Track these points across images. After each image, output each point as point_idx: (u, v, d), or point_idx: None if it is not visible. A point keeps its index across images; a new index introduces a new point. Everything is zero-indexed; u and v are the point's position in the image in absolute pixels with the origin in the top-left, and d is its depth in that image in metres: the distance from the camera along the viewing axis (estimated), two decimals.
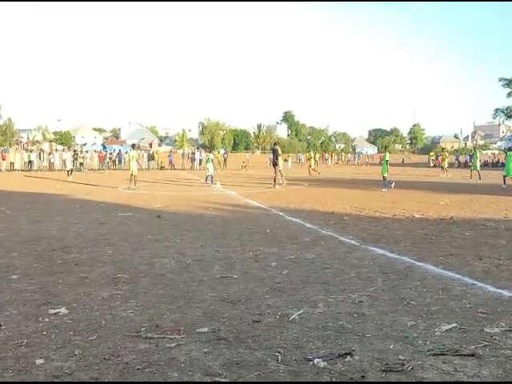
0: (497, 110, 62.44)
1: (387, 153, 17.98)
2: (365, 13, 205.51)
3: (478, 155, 22.92)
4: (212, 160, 20.66)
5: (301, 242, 7.02)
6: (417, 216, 9.71)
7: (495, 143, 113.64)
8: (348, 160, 63.97)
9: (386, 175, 16.61)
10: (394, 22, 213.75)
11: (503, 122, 66.82)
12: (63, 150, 44.15)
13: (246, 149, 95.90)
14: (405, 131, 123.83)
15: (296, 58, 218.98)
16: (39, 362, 2.97)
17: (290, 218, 9.54)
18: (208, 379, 2.73)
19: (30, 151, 40.82)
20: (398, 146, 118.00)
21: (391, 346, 3.16)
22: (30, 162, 36.60)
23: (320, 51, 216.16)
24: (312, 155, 32.65)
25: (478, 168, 22.30)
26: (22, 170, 35.20)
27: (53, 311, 3.91)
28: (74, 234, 7.78)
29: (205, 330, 3.49)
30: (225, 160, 42.28)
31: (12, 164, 36.58)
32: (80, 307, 4.04)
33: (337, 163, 59.29)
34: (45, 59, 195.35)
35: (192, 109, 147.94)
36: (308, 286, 4.66)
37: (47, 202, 13.50)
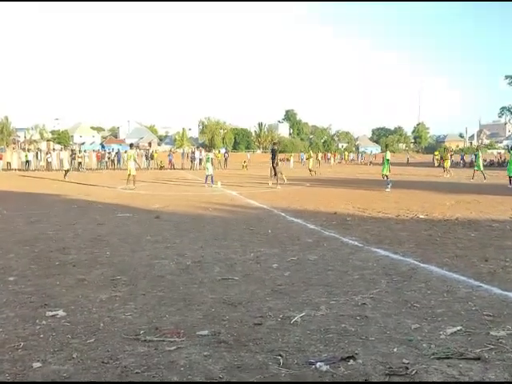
0: (503, 108, 62.43)
1: (388, 152, 17.97)
2: (366, 11, 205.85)
3: (480, 155, 22.96)
4: (212, 159, 20.67)
5: (303, 243, 7.01)
6: (421, 217, 9.70)
7: (501, 142, 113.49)
8: (351, 160, 63.96)
9: (388, 174, 16.59)
10: (396, 20, 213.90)
11: (509, 120, 66.81)
12: (61, 150, 44.26)
13: (247, 148, 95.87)
14: (409, 130, 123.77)
15: (298, 55, 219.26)
16: (36, 365, 2.97)
17: (292, 219, 9.54)
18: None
19: (28, 151, 40.79)
20: (402, 146, 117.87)
21: (395, 350, 3.16)
22: (27, 161, 36.63)
23: (322, 49, 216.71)
24: (311, 154, 32.61)
25: (482, 168, 22.30)
26: (19, 170, 35.24)
27: (50, 313, 3.91)
28: (72, 235, 7.79)
29: (205, 332, 3.49)
30: (225, 159, 42.28)
31: (9, 164, 36.66)
32: (78, 309, 4.04)
33: (339, 163, 59.27)
34: (42, 57, 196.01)
35: (192, 107, 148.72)
36: (310, 288, 4.66)
37: (45, 202, 13.51)
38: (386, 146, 16.93)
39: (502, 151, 69.83)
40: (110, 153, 41.29)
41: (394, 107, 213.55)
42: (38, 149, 49.39)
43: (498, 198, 13.45)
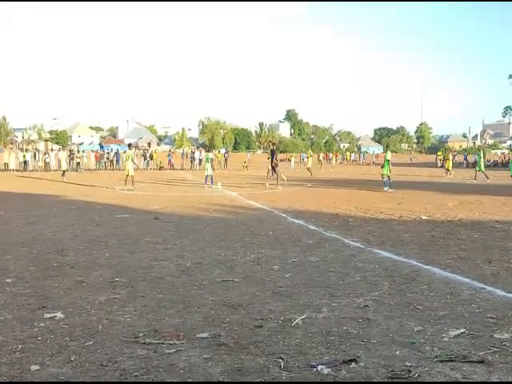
0: (506, 108, 62.48)
1: (388, 152, 17.94)
2: (366, 11, 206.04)
3: (481, 155, 23.03)
4: (211, 159, 20.68)
5: (304, 244, 7.01)
6: (424, 218, 9.70)
7: (505, 142, 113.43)
8: (353, 160, 63.94)
9: (389, 174, 16.56)
10: (398, 19, 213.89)
11: None
12: (59, 150, 44.26)
13: (248, 148, 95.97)
14: (411, 130, 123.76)
15: (299, 55, 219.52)
16: (34, 368, 2.97)
17: (293, 220, 9.54)
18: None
19: (25, 151, 40.83)
20: (405, 146, 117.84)
21: (397, 352, 3.16)
22: (24, 162, 36.65)
23: (323, 48, 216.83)
24: (311, 153, 32.60)
25: (483, 169, 22.36)
26: (17, 170, 35.26)
27: (48, 316, 3.92)
28: (70, 236, 7.79)
29: (205, 335, 3.49)
30: (226, 160, 42.28)
31: (6, 164, 36.64)
32: (76, 312, 4.04)
33: (341, 163, 59.25)
34: (40, 56, 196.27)
35: (192, 107, 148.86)
36: (311, 290, 4.66)
37: (42, 203, 13.52)
38: (387, 146, 16.95)
39: (506, 151, 69.83)
40: (108, 153, 41.30)
41: (397, 107, 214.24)
42: (36, 149, 49.44)
43: (502, 199, 13.44)
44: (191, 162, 39.71)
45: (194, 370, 2.94)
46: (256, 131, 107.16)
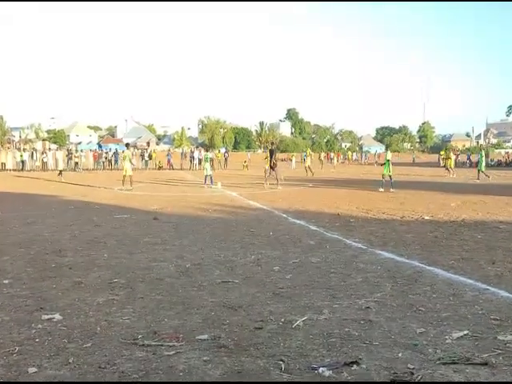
0: (510, 107, 62.37)
1: (389, 152, 17.91)
2: (368, 10, 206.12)
3: (483, 155, 23.14)
4: (210, 159, 20.68)
5: (305, 245, 7.01)
6: (426, 218, 9.70)
7: (509, 141, 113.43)
8: (355, 159, 63.92)
9: (390, 174, 16.54)
10: (401, 17, 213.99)
11: None
12: (57, 150, 44.29)
13: (248, 148, 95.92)
14: (414, 129, 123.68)
15: (300, 53, 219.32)
16: (32, 370, 2.97)
17: (294, 220, 9.54)
18: None
19: (23, 150, 40.83)
20: (407, 145, 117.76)
21: (400, 355, 3.16)
22: (22, 161, 36.68)
23: (324, 46, 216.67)
24: (310, 152, 32.59)
25: (483, 169, 22.46)
26: (14, 170, 35.29)
27: (46, 317, 3.92)
28: (69, 237, 7.80)
29: (205, 337, 3.50)
30: (225, 159, 42.28)
31: (3, 164, 36.67)
32: (74, 313, 4.05)
33: (343, 163, 59.23)
34: (38, 55, 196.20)
35: (191, 106, 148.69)
36: (312, 291, 4.66)
37: (40, 203, 13.53)
38: (387, 146, 16.92)
39: (510, 150, 69.75)
40: (107, 153, 41.32)
41: (399, 106, 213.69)
42: (34, 148, 49.39)
43: (505, 199, 13.43)
44: (190, 161, 39.73)
45: (194, 372, 2.94)
46: (256, 130, 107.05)
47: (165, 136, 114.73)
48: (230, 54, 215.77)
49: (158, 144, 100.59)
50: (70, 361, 3.10)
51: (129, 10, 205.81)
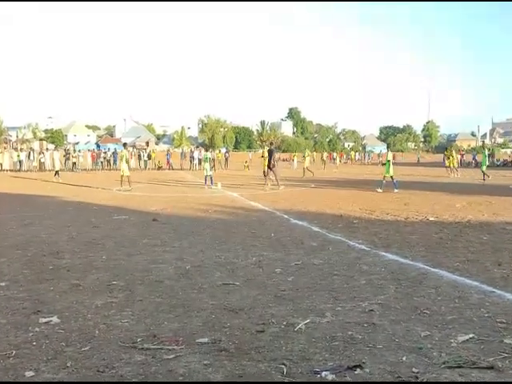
0: None
1: (389, 152, 17.85)
2: (369, 10, 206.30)
3: (486, 154, 23.29)
4: (210, 159, 20.69)
5: (307, 246, 7.01)
6: (431, 219, 9.69)
7: None
8: (358, 159, 63.93)
9: (391, 175, 16.49)
10: (403, 15, 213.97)
11: None
12: (54, 149, 44.32)
13: (249, 147, 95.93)
14: (418, 128, 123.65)
15: (302, 51, 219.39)
16: (29, 374, 2.98)
17: (296, 221, 9.54)
18: None
19: (20, 150, 40.88)
20: (411, 145, 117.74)
21: (404, 358, 3.16)
22: (19, 161, 36.73)
23: (327, 44, 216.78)
24: (309, 153, 32.61)
25: (484, 168, 22.56)
26: (11, 171, 35.33)
27: (43, 320, 3.92)
28: (66, 238, 7.81)
29: (205, 340, 3.50)
30: (226, 159, 42.30)
31: (0, 164, 36.72)
32: (72, 316, 4.05)
33: (346, 163, 59.23)
34: (35, 54, 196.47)
35: (191, 105, 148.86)
36: (315, 293, 4.66)
37: (38, 204, 13.55)
38: (388, 146, 16.84)
39: None
40: (105, 152, 41.33)
41: (403, 105, 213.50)
42: (31, 148, 49.46)
43: (511, 200, 13.43)
44: (190, 161, 39.75)
45: (194, 376, 2.94)
46: (257, 130, 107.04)
47: (164, 136, 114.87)
48: (230, 52, 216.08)
49: (157, 144, 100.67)
50: (68, 364, 3.10)
51: (128, 9, 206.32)
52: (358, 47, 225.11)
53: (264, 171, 19.45)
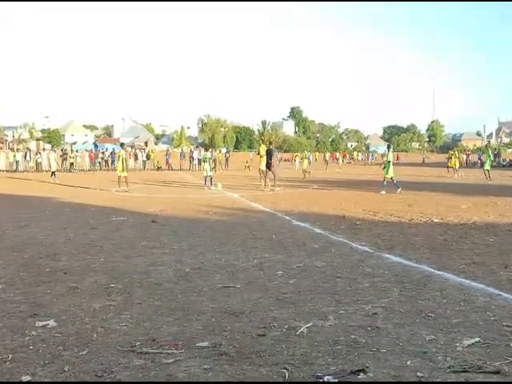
0: None
1: (390, 153, 17.69)
2: (371, 8, 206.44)
3: (490, 154, 23.32)
4: (209, 159, 20.69)
5: (309, 248, 7.01)
6: (436, 220, 9.68)
7: None
8: (361, 159, 63.96)
9: (392, 176, 16.43)
10: (404, 15, 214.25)
11: None
12: (51, 150, 44.37)
13: (250, 147, 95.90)
14: (423, 128, 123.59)
15: (303, 50, 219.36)
16: (26, 378, 2.98)
17: (298, 223, 9.54)
18: None
19: (16, 150, 40.92)
20: (416, 145, 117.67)
21: (408, 363, 3.15)
22: (15, 162, 36.76)
23: (328, 43, 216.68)
24: (306, 154, 32.66)
25: (485, 168, 22.62)
26: (7, 171, 35.38)
27: (40, 324, 3.93)
28: (63, 240, 7.81)
29: (205, 344, 3.50)
30: (226, 160, 42.32)
31: None
32: (70, 319, 4.05)
33: (349, 163, 59.25)
34: (32, 52, 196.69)
35: (191, 105, 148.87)
36: (317, 296, 4.66)
37: (34, 205, 13.57)
38: (388, 146, 16.75)
39: None
40: (103, 153, 41.37)
41: (407, 104, 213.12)
42: (28, 148, 49.49)
43: None
44: (190, 162, 39.78)
45: (194, 380, 2.94)
46: (258, 130, 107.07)
47: (163, 135, 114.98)
48: (230, 52, 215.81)
49: (156, 144, 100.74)
50: (66, 369, 3.10)
51: (127, 8, 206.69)
52: (360, 45, 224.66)
53: (260, 170, 19.50)
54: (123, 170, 18.21)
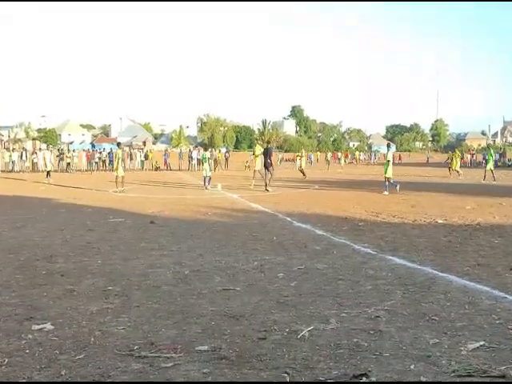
0: None
1: (390, 152, 17.68)
2: (373, 7, 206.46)
3: (492, 153, 23.44)
4: (209, 159, 20.69)
5: (311, 250, 7.01)
6: (439, 221, 9.69)
7: None
8: (364, 159, 63.98)
9: (390, 176, 16.41)
10: (406, 15, 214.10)
11: None
12: (46, 149, 44.40)
13: (250, 147, 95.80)
14: (426, 127, 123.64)
15: (305, 48, 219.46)
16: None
17: (299, 224, 9.54)
18: None
19: (12, 150, 40.96)
20: (419, 144, 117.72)
21: (412, 367, 3.15)
22: (11, 162, 36.79)
23: (329, 42, 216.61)
24: (303, 153, 32.73)
25: (487, 167, 22.70)
26: (3, 171, 35.41)
27: (37, 327, 3.93)
28: (60, 242, 7.81)
29: (204, 348, 3.50)
30: (226, 160, 42.35)
31: None
32: (66, 323, 4.05)
33: (351, 163, 59.28)
34: (28, 50, 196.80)
35: (190, 104, 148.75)
36: (319, 299, 4.66)
37: (30, 206, 13.57)
38: (388, 145, 16.69)
39: None
40: (101, 153, 41.40)
41: (410, 103, 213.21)
42: (24, 148, 49.56)
43: None
44: (189, 162, 39.81)
45: None
46: (259, 129, 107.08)
47: (162, 135, 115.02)
48: (230, 51, 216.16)
49: (154, 143, 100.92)
50: (62, 373, 3.10)
51: (126, 8, 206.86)
52: (361, 45, 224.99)
53: (254, 170, 19.54)
54: (117, 169, 18.24)
